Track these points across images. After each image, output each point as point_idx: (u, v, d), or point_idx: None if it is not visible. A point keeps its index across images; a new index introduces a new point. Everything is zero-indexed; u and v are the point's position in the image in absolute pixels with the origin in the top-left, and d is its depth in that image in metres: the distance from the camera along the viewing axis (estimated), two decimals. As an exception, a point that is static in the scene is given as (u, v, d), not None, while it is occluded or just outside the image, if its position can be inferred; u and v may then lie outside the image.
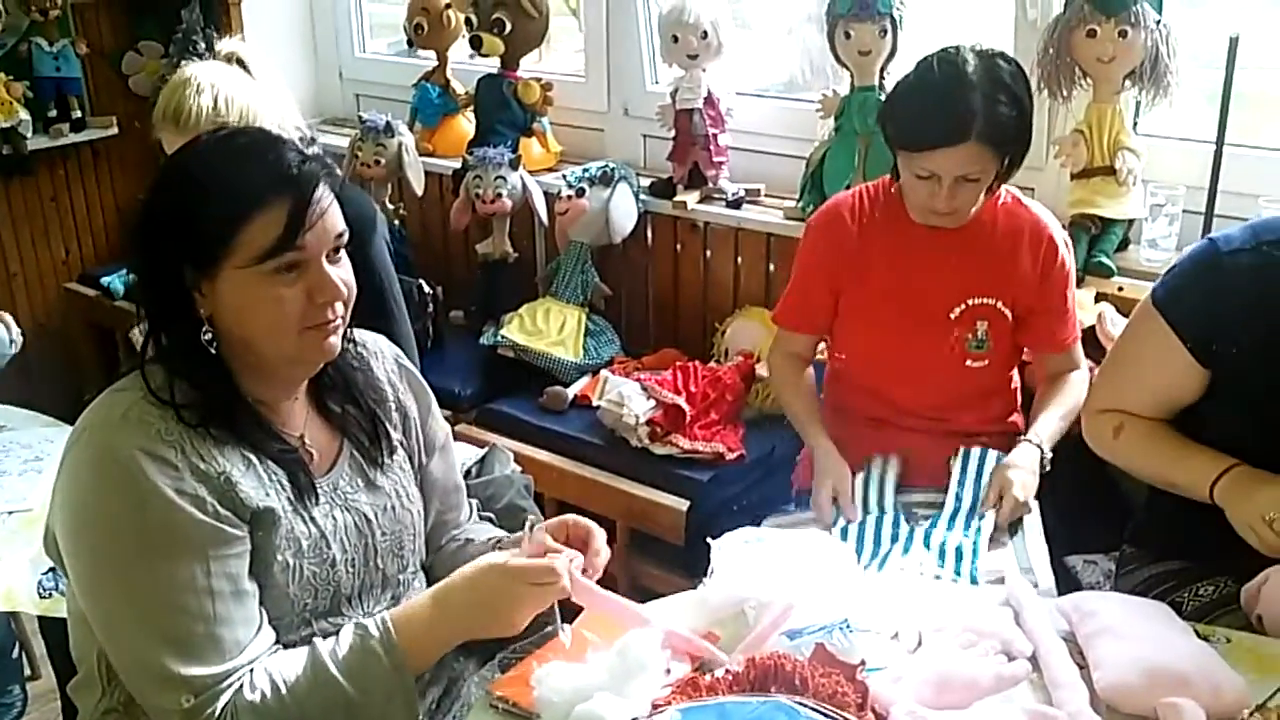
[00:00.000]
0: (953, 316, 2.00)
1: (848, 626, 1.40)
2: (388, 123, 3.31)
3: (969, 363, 2.02)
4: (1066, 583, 1.94)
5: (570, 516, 1.50)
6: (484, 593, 1.37)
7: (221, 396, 1.37)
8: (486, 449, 2.02)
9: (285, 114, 2.15)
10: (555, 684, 1.34)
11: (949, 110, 1.80)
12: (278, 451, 1.41)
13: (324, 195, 1.35)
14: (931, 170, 1.85)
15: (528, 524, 1.46)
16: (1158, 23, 2.35)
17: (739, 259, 3.05)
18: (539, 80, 3.35)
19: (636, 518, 2.58)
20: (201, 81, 2.02)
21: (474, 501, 1.76)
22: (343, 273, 1.38)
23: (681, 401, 2.65)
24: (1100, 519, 2.04)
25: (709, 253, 3.11)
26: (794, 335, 2.21)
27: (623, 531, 2.65)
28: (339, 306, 1.39)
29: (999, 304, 2.01)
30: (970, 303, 2.00)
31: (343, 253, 1.39)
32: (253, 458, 1.38)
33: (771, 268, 2.99)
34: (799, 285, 2.16)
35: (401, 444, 1.57)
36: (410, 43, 3.60)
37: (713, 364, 2.90)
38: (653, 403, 2.65)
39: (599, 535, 1.47)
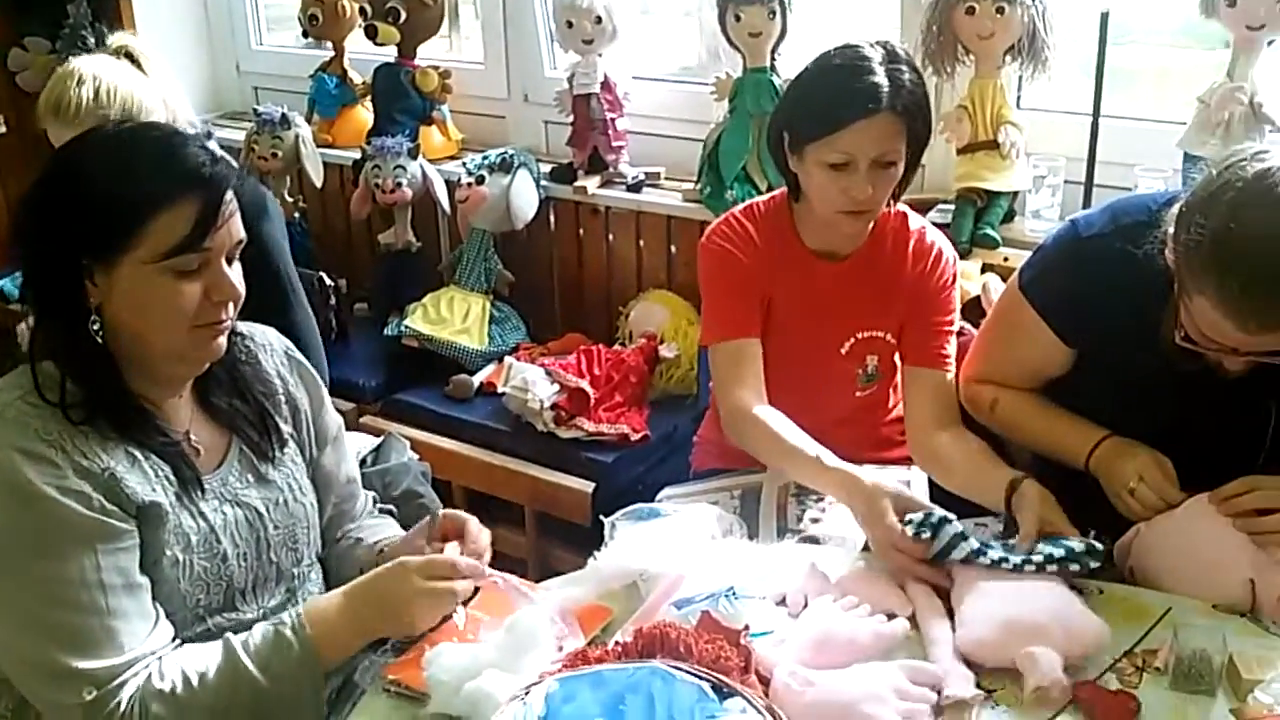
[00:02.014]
0: (843, 351, 1.97)
1: (733, 594, 1.44)
2: (283, 115, 3.27)
3: (858, 394, 2.02)
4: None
5: (445, 512, 1.56)
6: (387, 592, 1.40)
7: (106, 392, 1.36)
8: (382, 437, 2.02)
9: (176, 108, 2.13)
10: (445, 664, 1.35)
11: (859, 83, 1.75)
12: (161, 446, 1.40)
13: (233, 198, 1.36)
14: (848, 153, 1.76)
15: (430, 516, 1.50)
16: (1034, -1, 2.41)
17: (641, 242, 3.07)
18: (437, 68, 3.34)
19: (543, 501, 2.60)
20: (84, 73, 2.00)
21: (371, 493, 1.76)
22: (237, 276, 1.40)
23: (585, 385, 2.67)
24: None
25: (611, 236, 3.13)
26: (738, 366, 1.90)
27: (530, 515, 2.66)
28: (231, 308, 1.40)
29: (887, 336, 1.97)
30: (859, 336, 1.96)
31: (237, 257, 1.41)
32: (137, 453, 1.37)
33: (673, 250, 3.02)
34: (722, 294, 1.95)
35: (292, 437, 1.57)
36: (306, 33, 3.56)
37: (617, 347, 2.93)
38: (557, 387, 2.67)
39: (471, 521, 1.52)
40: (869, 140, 1.76)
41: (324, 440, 1.63)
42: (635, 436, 2.64)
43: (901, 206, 1.97)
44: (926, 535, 1.52)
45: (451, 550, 1.48)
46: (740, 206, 2.00)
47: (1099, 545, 1.45)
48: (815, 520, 1.90)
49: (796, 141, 1.82)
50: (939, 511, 1.55)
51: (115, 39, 2.17)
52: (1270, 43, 2.24)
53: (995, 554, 1.48)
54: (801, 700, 1.28)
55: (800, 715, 1.28)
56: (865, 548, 1.73)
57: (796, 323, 1.95)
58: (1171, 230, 1.47)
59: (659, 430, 2.68)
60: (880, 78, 1.75)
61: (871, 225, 1.92)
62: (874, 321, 1.95)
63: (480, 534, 1.51)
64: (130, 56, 2.10)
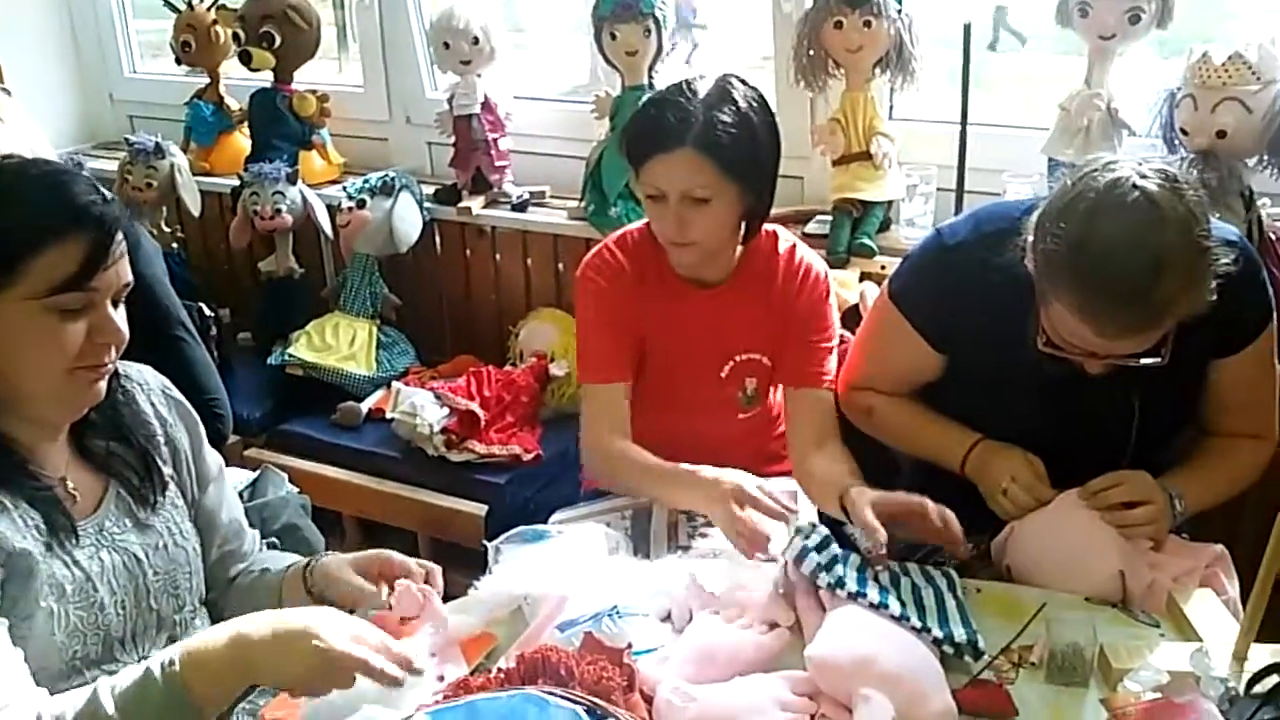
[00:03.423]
0: (723, 375, 1.97)
1: (617, 613, 1.43)
2: (157, 144, 3.19)
3: (741, 416, 2.02)
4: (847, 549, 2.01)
5: (379, 557, 1.51)
6: (290, 659, 1.22)
7: None
8: (258, 471, 1.97)
9: (32, 144, 2.06)
10: (323, 699, 1.32)
11: (667, 116, 1.76)
12: (32, 492, 1.34)
13: (122, 241, 1.32)
14: (657, 186, 1.78)
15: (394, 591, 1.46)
16: (899, 12, 2.46)
17: (529, 261, 3.07)
18: (315, 92, 3.29)
19: (436, 526, 2.57)
20: None
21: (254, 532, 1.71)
22: (121, 319, 1.36)
23: (475, 407, 2.65)
24: (875, 486, 2.11)
25: (499, 257, 3.12)
26: (605, 401, 1.92)
27: (424, 541, 2.63)
28: (113, 351, 1.36)
29: (763, 358, 1.97)
30: (737, 359, 1.96)
31: (122, 301, 1.36)
32: (6, 501, 1.32)
33: (561, 268, 3.02)
34: (595, 333, 1.95)
35: (173, 479, 1.51)
36: (179, 60, 3.48)
37: (508, 367, 2.91)
38: (446, 410, 2.65)
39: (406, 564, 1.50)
40: (673, 174, 1.76)
41: (205, 480, 1.57)
42: (527, 456, 2.63)
43: (772, 226, 1.96)
44: (802, 556, 1.48)
45: (403, 592, 1.44)
46: (615, 235, 1.99)
47: (981, 647, 1.40)
48: (704, 535, 1.91)
49: (631, 168, 1.84)
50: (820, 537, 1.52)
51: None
52: (1122, 52, 2.32)
53: (873, 596, 1.43)
54: (684, 716, 1.28)
55: (684, 731, 1.29)
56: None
57: (673, 349, 1.96)
58: (1030, 239, 1.51)
59: (552, 449, 2.67)
60: (691, 114, 1.75)
61: (740, 252, 1.92)
62: (750, 345, 1.95)
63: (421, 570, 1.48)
64: None
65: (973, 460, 1.72)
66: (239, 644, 1.23)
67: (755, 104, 1.82)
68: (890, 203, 2.60)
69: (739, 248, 1.92)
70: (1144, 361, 1.51)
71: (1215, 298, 1.45)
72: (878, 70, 2.53)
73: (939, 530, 1.57)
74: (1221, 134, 2.11)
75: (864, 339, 1.92)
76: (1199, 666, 1.34)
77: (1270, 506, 1.34)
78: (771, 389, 2.05)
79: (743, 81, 1.84)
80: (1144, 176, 1.42)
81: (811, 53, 2.50)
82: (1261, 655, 1.37)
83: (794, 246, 1.96)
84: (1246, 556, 1.39)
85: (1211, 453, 1.74)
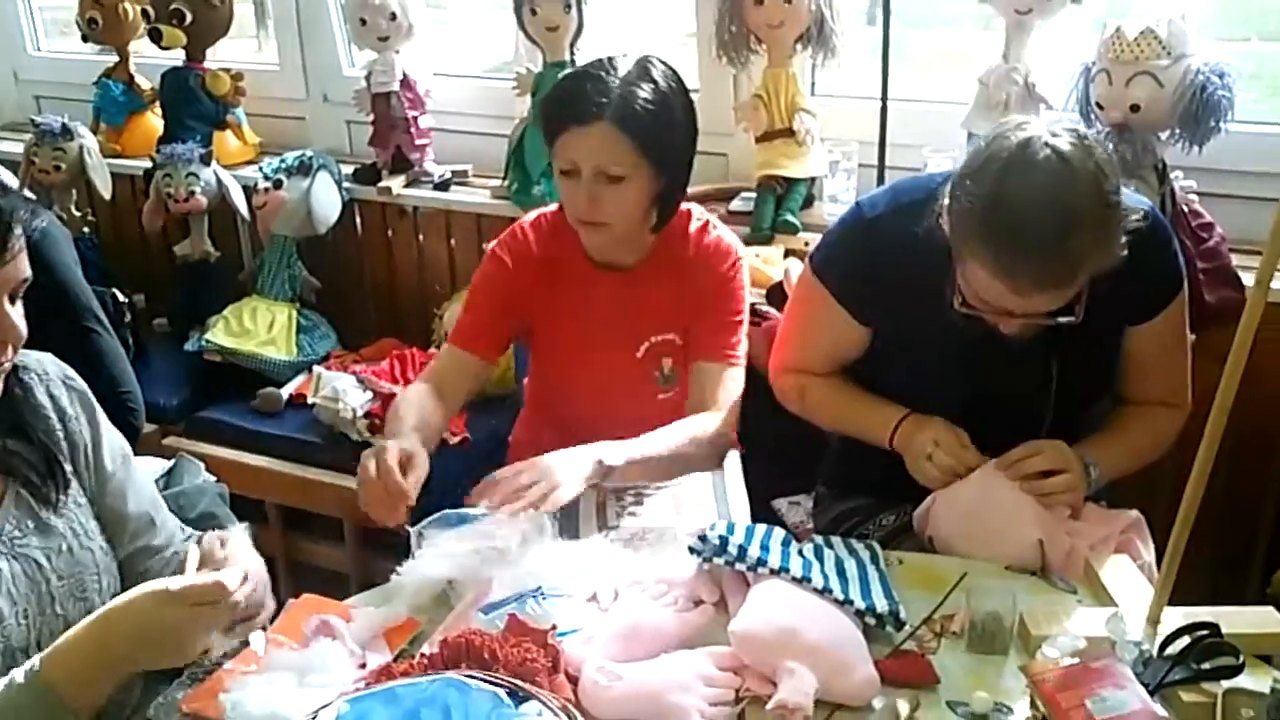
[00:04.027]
0: (639, 356, 1.96)
1: (541, 594, 1.42)
2: (64, 125, 3.10)
3: (660, 396, 1.99)
4: (773, 525, 2.02)
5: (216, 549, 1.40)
6: (145, 623, 1.22)
7: None
8: (173, 460, 1.93)
9: None
10: (244, 690, 1.30)
11: (585, 90, 1.75)
12: None
13: (20, 235, 1.26)
14: (571, 160, 1.77)
15: (192, 542, 1.38)
16: (820, -13, 2.46)
17: (452, 241, 3.03)
18: (229, 71, 3.22)
19: (360, 513, 2.50)
20: None
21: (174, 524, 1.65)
22: (18, 315, 1.30)
23: (399, 390, 2.59)
24: (801, 461, 2.13)
25: (421, 237, 3.08)
26: (452, 359, 1.94)
27: (349, 528, 2.60)
28: (10, 350, 1.30)
29: (677, 339, 1.95)
30: (653, 340, 1.95)
31: (21, 297, 1.30)
32: None
33: (485, 247, 2.93)
34: (474, 306, 1.96)
35: (75, 476, 1.44)
36: (86, 38, 3.38)
37: (433, 349, 2.87)
38: (370, 394, 2.61)
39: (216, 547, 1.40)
40: (588, 148, 1.75)
41: (105, 473, 1.48)
42: (454, 439, 2.60)
43: (687, 205, 1.94)
44: (712, 551, 1.46)
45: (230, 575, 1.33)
46: (531, 216, 1.98)
47: (903, 618, 1.42)
48: (633, 515, 1.90)
49: (547, 143, 1.82)
50: (724, 527, 1.51)
51: None
52: (1040, 26, 2.35)
53: (796, 570, 1.42)
54: (609, 695, 1.28)
55: (609, 710, 1.28)
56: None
57: (587, 332, 1.94)
58: (946, 201, 1.53)
59: (479, 431, 2.65)
60: (609, 88, 1.74)
61: (655, 238, 1.91)
62: (664, 326, 1.94)
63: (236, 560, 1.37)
64: None
65: (900, 433, 1.73)
66: (97, 633, 1.23)
67: (674, 84, 1.81)
68: (814, 179, 2.60)
69: (652, 234, 1.90)
70: (1060, 320, 1.53)
71: (1128, 264, 1.49)
72: (799, 46, 2.53)
73: None
74: (1135, 108, 2.14)
75: (790, 317, 1.92)
76: (1114, 631, 1.37)
77: (1187, 473, 1.36)
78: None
79: (663, 62, 1.83)
80: (1055, 135, 1.45)
81: (734, 29, 2.50)
82: (1174, 618, 1.39)
83: (706, 224, 1.95)
84: (1163, 523, 1.41)
85: (1126, 421, 1.77)
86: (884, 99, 2.39)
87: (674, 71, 1.83)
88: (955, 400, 1.71)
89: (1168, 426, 1.78)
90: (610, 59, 1.81)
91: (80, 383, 1.48)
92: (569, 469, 1.66)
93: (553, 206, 1.98)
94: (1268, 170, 2.31)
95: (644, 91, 1.75)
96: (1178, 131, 2.18)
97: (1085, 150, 1.44)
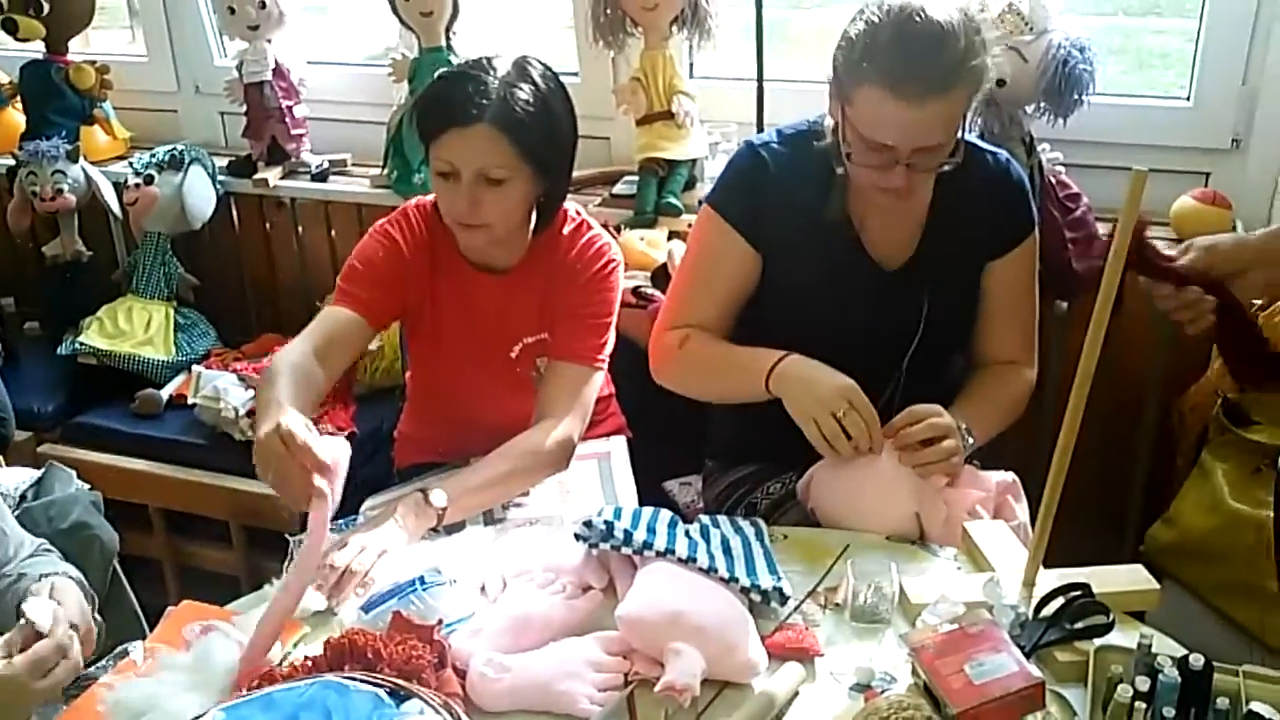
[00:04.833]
0: (513, 356, 1.94)
1: (423, 585, 1.40)
2: (-84, 123, 2.96)
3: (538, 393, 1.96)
4: (665, 508, 2.02)
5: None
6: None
7: None
8: (44, 468, 1.86)
9: None
10: (124, 704, 1.26)
11: (465, 92, 1.71)
12: None
13: None
14: (450, 162, 1.72)
15: (22, 614, 1.33)
16: (694, -30, 2.46)
17: (332, 233, 2.97)
18: (93, 63, 3.11)
19: (247, 514, 2.47)
20: None
21: (30, 536, 1.59)
22: None
23: (283, 387, 2.55)
24: (691, 442, 2.14)
25: (301, 229, 3.02)
26: (332, 320, 1.82)
27: (236, 530, 2.54)
28: None
29: (550, 339, 1.92)
30: (527, 341, 1.93)
31: None
32: None
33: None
34: (357, 266, 1.86)
35: None
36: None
37: (317, 344, 2.82)
38: (251, 392, 2.55)
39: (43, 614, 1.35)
40: (468, 150, 1.71)
41: None
42: (340, 434, 2.55)
43: (567, 204, 1.91)
44: (599, 536, 1.46)
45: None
46: (418, 200, 1.93)
47: (787, 593, 1.44)
48: (519, 505, 1.90)
49: (422, 144, 1.77)
50: (610, 512, 1.51)
51: None
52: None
53: (682, 551, 1.44)
54: (498, 687, 1.28)
55: (498, 702, 1.28)
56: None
57: (462, 331, 1.92)
58: (833, 62, 1.64)
59: (367, 425, 2.61)
60: (489, 89, 1.71)
61: (532, 240, 1.88)
62: (538, 327, 1.92)
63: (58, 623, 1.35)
64: None
65: (779, 374, 1.68)
66: None
67: (553, 85, 1.79)
68: (694, 161, 2.61)
69: (531, 236, 1.88)
70: (944, 167, 1.65)
71: (988, 199, 1.75)
72: (675, 28, 2.53)
73: None
74: (1001, 83, 2.19)
75: (683, 268, 1.92)
76: (991, 595, 1.40)
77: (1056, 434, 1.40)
78: None
79: (540, 62, 1.80)
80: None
81: (609, 11, 2.49)
82: (1049, 580, 1.44)
83: (581, 224, 1.92)
84: (1044, 482, 1.44)
85: (986, 382, 1.84)
86: (760, 80, 2.41)
87: (552, 72, 1.80)
88: (826, 337, 1.71)
89: (1023, 385, 1.85)
90: (488, 59, 1.77)
91: None
92: (389, 534, 1.58)
93: (433, 197, 1.94)
94: (1132, 141, 2.39)
95: (524, 93, 1.73)
96: (1043, 105, 2.24)
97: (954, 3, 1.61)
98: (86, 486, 1.84)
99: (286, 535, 1.60)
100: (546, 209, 1.85)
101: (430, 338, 1.95)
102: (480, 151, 1.71)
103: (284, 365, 1.66)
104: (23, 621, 1.31)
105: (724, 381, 1.82)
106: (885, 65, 1.56)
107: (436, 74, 1.83)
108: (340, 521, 1.65)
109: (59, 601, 1.37)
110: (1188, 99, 2.37)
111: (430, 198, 1.93)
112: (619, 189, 2.64)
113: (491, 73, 1.73)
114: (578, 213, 1.93)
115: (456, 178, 1.72)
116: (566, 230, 1.90)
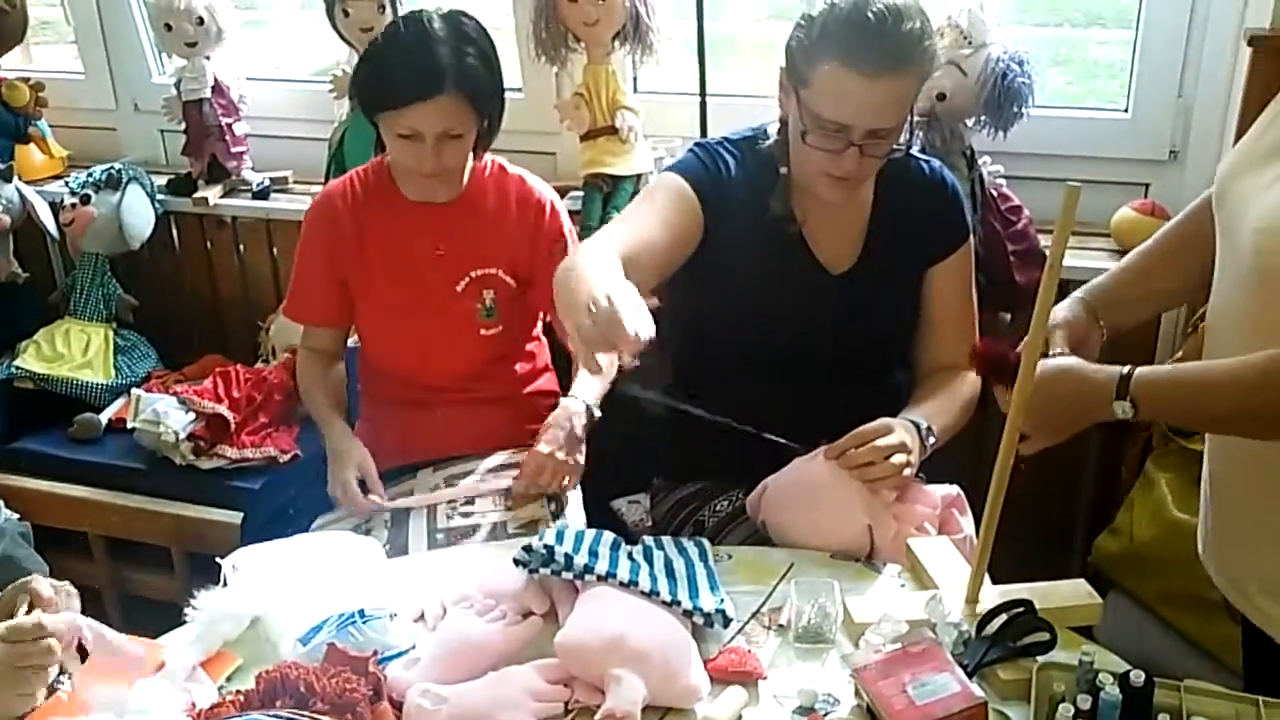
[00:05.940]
0: (459, 290, 2.03)
1: (362, 617, 1.38)
2: None
3: (483, 331, 2.05)
4: (614, 526, 2.01)
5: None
6: None
7: None
8: (-33, 500, 1.81)
9: None
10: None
11: (421, 65, 1.82)
12: None
13: None
14: (413, 128, 1.85)
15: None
16: (635, -15, 2.45)
17: (274, 251, 2.93)
18: (27, 80, 3.04)
19: (189, 540, 2.42)
20: None
21: None
22: None
23: (224, 410, 2.51)
24: (638, 460, 2.12)
25: (242, 248, 2.97)
26: (311, 329, 2.16)
27: (178, 556, 2.48)
28: None
29: (499, 272, 2.04)
30: (474, 274, 2.03)
31: None
32: None
33: (310, 257, 2.89)
34: (300, 276, 2.12)
35: None
36: None
37: (260, 364, 2.78)
38: (193, 415, 2.50)
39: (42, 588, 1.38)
40: (433, 119, 1.85)
41: None
42: (284, 457, 2.51)
43: (497, 158, 2.08)
44: (539, 561, 1.45)
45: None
46: (335, 181, 2.11)
47: (730, 615, 1.42)
48: (466, 515, 1.90)
49: (369, 111, 1.91)
50: (551, 536, 1.49)
51: None
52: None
53: (623, 575, 1.42)
54: (435, 719, 1.25)
55: (436, 735, 1.26)
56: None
57: (403, 271, 2.02)
58: (788, 49, 1.68)
59: (311, 447, 2.55)
60: (443, 57, 1.83)
61: (468, 172, 2.03)
62: (484, 260, 2.03)
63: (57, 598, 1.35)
64: None
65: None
66: None
67: (485, 35, 1.92)
68: (639, 176, 2.59)
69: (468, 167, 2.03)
70: (893, 153, 1.69)
71: (923, 206, 1.82)
72: (617, 43, 2.52)
73: None
74: (941, 96, 2.20)
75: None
76: (934, 613, 1.39)
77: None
78: (516, 316, 2.10)
79: (469, 16, 1.93)
80: None
81: (549, 26, 2.47)
82: (992, 596, 1.43)
83: (523, 176, 2.09)
84: (986, 494, 1.44)
85: (941, 383, 1.83)
86: (703, 94, 2.40)
87: (480, 24, 1.93)
88: (774, 340, 1.78)
89: (971, 388, 1.84)
90: (422, 21, 1.87)
91: None
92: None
93: (361, 166, 2.10)
94: (1072, 153, 2.41)
95: (472, 56, 1.86)
96: (983, 118, 2.25)
97: None
98: (16, 516, 1.79)
99: (217, 559, 1.56)
100: (485, 140, 1.99)
101: (373, 298, 2.07)
102: (444, 116, 1.85)
103: (312, 385, 2.13)
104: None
105: None
106: (845, 39, 1.60)
107: (378, 47, 1.92)
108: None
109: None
110: (1126, 111, 2.40)
111: (347, 175, 2.09)
112: (565, 204, 2.62)
113: (435, 40, 1.84)
114: (511, 165, 2.11)
115: (420, 139, 1.87)
116: (512, 173, 2.08)
